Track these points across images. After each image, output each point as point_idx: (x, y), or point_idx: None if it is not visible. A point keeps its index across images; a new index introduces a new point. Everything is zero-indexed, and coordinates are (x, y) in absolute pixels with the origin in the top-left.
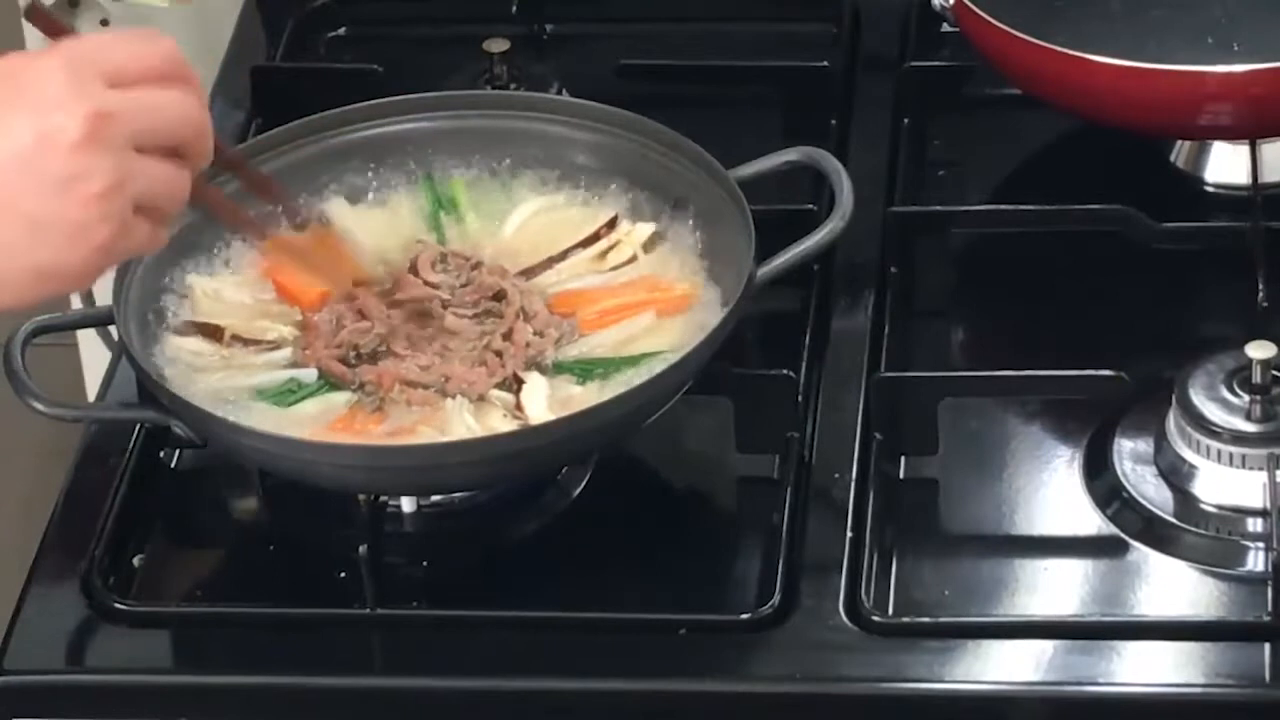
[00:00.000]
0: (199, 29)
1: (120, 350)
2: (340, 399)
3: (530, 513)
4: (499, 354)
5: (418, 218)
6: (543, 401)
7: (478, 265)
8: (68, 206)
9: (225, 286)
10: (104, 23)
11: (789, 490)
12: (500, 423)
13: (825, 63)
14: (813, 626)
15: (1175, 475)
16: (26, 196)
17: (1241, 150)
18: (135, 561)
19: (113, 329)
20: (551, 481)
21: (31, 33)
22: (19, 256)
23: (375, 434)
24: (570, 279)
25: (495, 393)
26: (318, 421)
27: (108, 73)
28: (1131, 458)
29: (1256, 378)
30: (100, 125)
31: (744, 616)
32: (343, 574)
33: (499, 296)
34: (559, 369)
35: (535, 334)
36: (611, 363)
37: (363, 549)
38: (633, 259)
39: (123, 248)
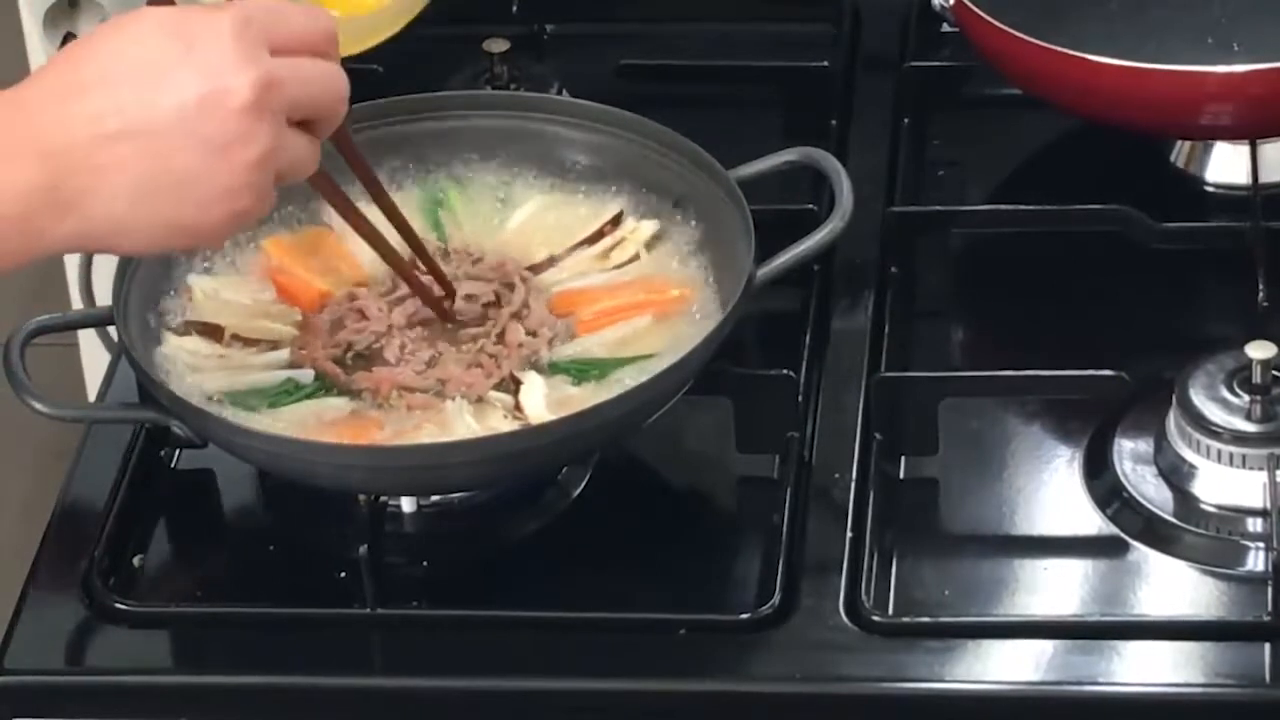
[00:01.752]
0: None
1: (120, 350)
2: (338, 400)
3: (530, 513)
4: (493, 356)
5: (418, 217)
6: (541, 401)
7: (479, 262)
8: (221, 169)
9: (225, 286)
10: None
11: (789, 490)
12: (500, 423)
13: (825, 63)
14: (813, 626)
15: (1175, 475)
16: (183, 153)
17: (1241, 150)
18: (135, 561)
19: (113, 329)
20: (551, 481)
21: (33, 33)
22: (163, 209)
23: (377, 438)
24: (572, 277)
25: (494, 394)
26: (316, 421)
27: (274, 41)
28: (1131, 458)
29: (1256, 378)
30: (265, 93)
31: (744, 616)
32: (343, 574)
33: (508, 285)
34: (555, 369)
35: (529, 334)
36: (608, 363)
37: (363, 549)
38: (635, 257)
39: (260, 214)
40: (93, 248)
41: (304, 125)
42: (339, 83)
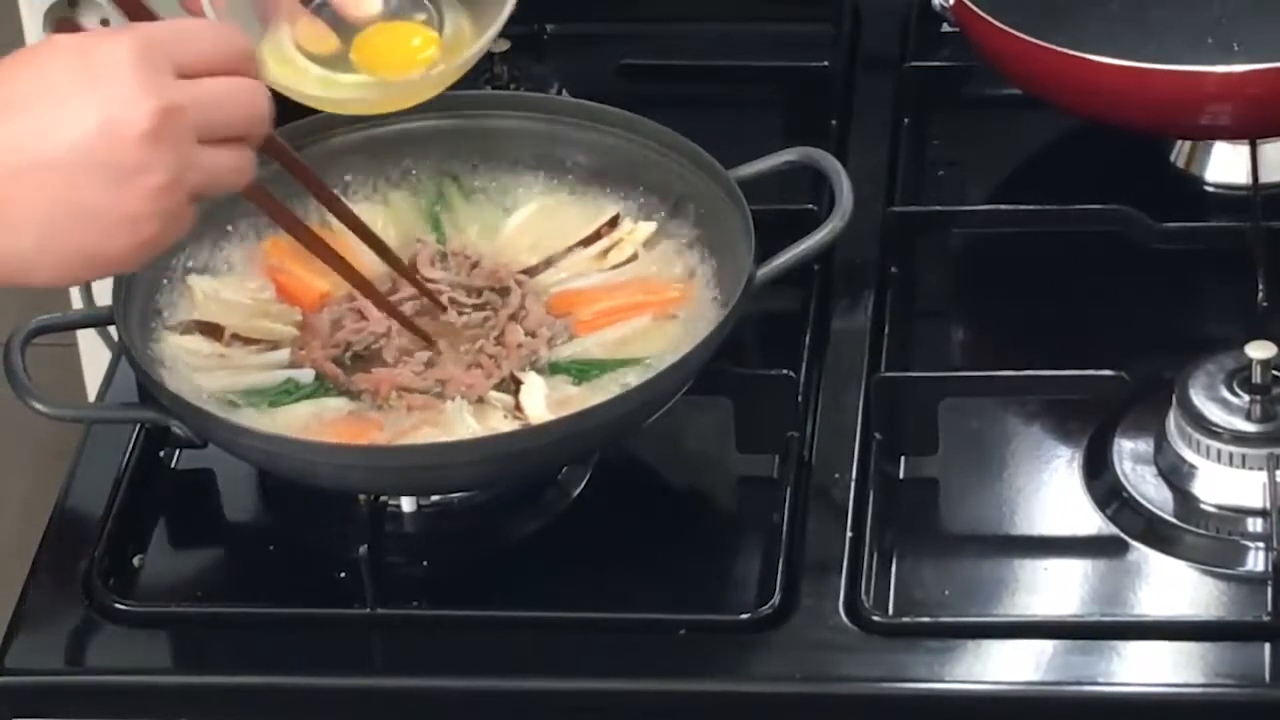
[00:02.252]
0: None
1: (120, 350)
2: (338, 400)
3: (530, 513)
4: (493, 356)
5: (418, 217)
6: (541, 401)
7: (477, 264)
8: (124, 198)
9: (225, 286)
10: (104, 22)
11: (789, 490)
12: (501, 423)
13: (825, 63)
14: (813, 626)
15: (1175, 475)
16: (85, 184)
17: (1241, 150)
18: (135, 561)
19: (113, 329)
20: (551, 481)
21: (33, 33)
22: (67, 240)
23: (377, 438)
24: (571, 278)
25: (494, 394)
26: (317, 422)
27: (179, 63)
28: (1131, 458)
29: (1256, 378)
30: (166, 120)
31: (744, 616)
32: (343, 574)
33: (502, 292)
34: (555, 369)
35: (528, 334)
36: (608, 364)
37: (363, 549)
38: (634, 257)
39: (173, 237)
40: (5, 281)
41: (232, 141)
42: (254, 100)
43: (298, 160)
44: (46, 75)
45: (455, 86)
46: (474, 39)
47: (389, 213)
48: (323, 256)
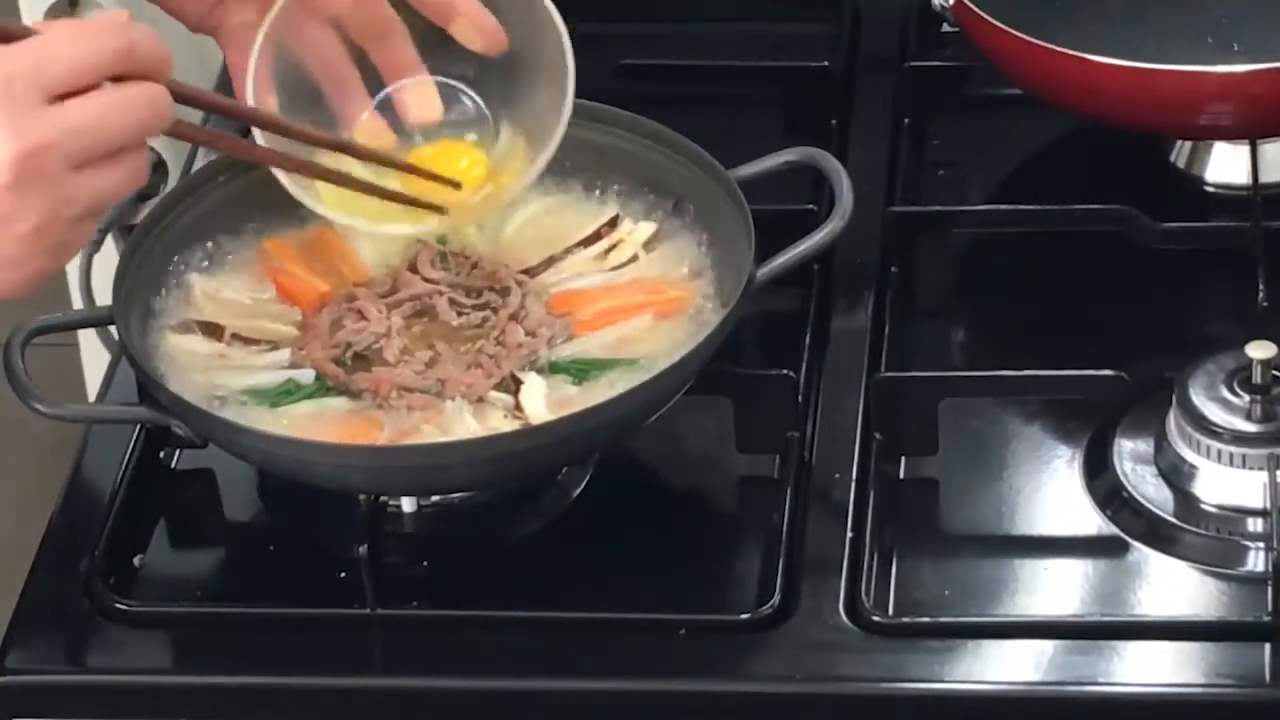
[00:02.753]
0: None
1: (120, 350)
2: (338, 400)
3: (530, 513)
4: (493, 356)
5: None
6: (541, 401)
7: (477, 264)
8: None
9: (225, 286)
10: None
11: (789, 490)
12: (501, 423)
13: (825, 63)
14: (813, 626)
15: (1175, 475)
16: None
17: (1241, 150)
18: (135, 561)
19: (113, 329)
20: (551, 481)
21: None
22: None
23: (377, 438)
24: (571, 278)
25: (494, 394)
26: (316, 422)
27: (49, 87)
28: (1131, 458)
29: (1256, 378)
30: (29, 164)
31: (744, 616)
32: (343, 574)
33: (502, 292)
34: (555, 369)
35: (528, 334)
36: (608, 363)
37: (363, 549)
38: (634, 258)
39: (65, 260)
40: None
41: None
42: (139, 107)
43: (291, 127)
44: None
45: None
46: (526, 158)
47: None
48: (291, 166)
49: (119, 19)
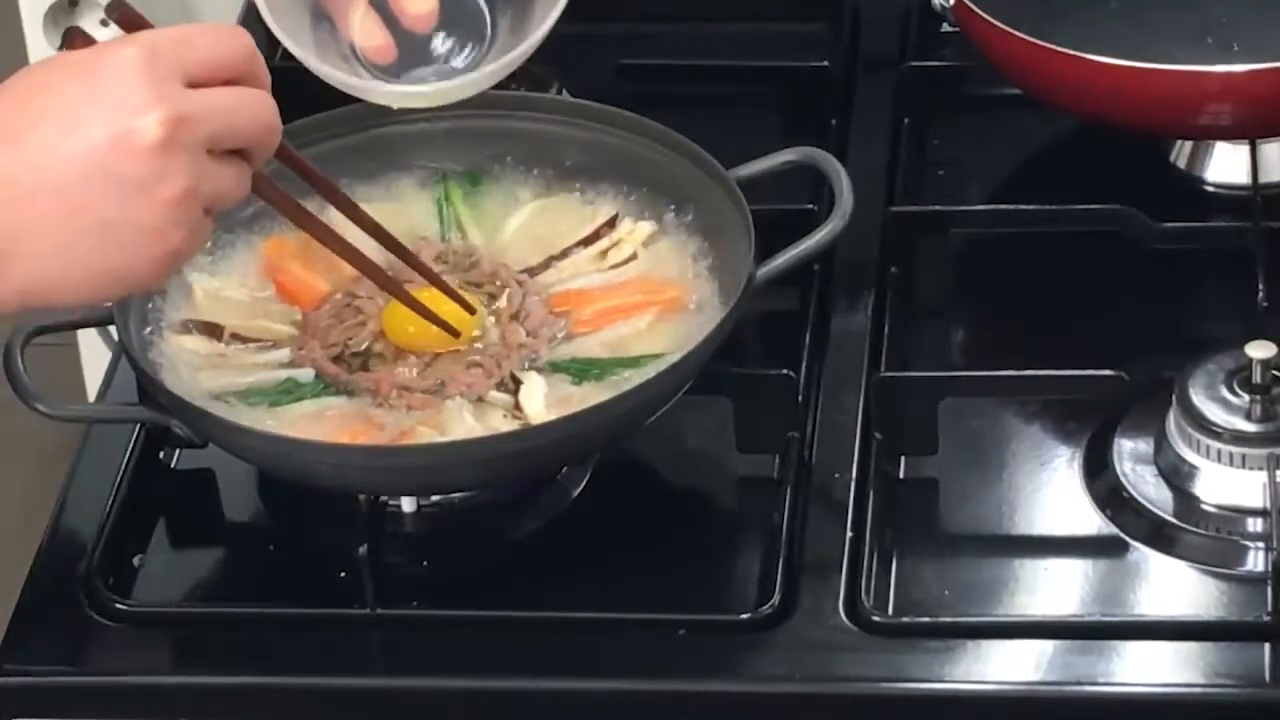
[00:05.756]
0: None
1: (120, 350)
2: (338, 400)
3: (530, 513)
4: (493, 356)
5: (418, 217)
6: (541, 401)
7: (477, 263)
8: (142, 211)
9: (225, 286)
10: (103, 23)
11: (789, 490)
12: (501, 423)
13: (825, 63)
14: (813, 626)
15: (1175, 475)
16: (101, 200)
17: (1241, 150)
18: (135, 561)
19: (113, 329)
20: (551, 481)
21: (33, 33)
22: (90, 259)
23: (377, 438)
24: (570, 278)
25: (494, 394)
26: (316, 422)
27: (187, 71)
28: (1131, 458)
29: (1256, 378)
30: (178, 129)
31: (744, 616)
32: (343, 574)
33: (502, 291)
34: (555, 369)
35: (529, 334)
36: (608, 363)
37: (363, 549)
38: (633, 258)
39: (193, 249)
40: (33, 306)
41: (234, 154)
42: (263, 111)
43: (304, 162)
44: (52, 93)
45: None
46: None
47: (389, 214)
48: (334, 247)
49: (234, 29)
